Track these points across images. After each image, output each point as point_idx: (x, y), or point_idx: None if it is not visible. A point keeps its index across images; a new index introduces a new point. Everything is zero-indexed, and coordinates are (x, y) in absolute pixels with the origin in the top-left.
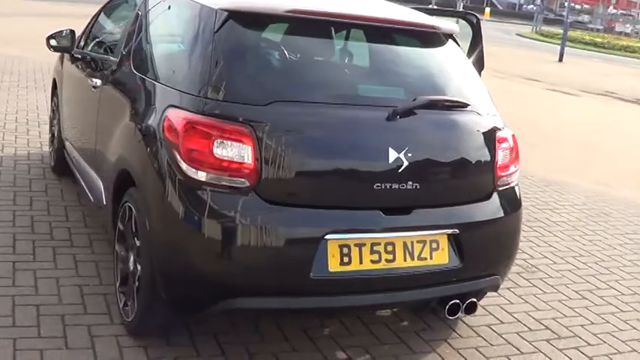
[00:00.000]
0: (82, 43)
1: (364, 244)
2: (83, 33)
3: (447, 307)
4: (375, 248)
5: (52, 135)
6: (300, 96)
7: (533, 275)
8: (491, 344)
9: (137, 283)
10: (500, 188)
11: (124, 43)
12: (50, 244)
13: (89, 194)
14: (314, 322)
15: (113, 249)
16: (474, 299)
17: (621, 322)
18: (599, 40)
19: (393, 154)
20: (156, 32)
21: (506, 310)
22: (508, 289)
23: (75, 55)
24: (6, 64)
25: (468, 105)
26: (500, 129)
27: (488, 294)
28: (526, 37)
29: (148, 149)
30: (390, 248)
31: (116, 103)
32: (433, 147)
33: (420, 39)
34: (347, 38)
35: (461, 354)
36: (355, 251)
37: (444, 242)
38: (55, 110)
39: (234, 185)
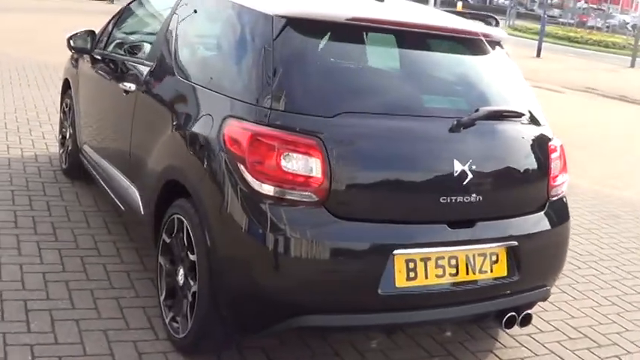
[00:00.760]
0: (101, 45)
1: (429, 259)
2: (102, 33)
3: (505, 319)
4: (439, 262)
5: (63, 137)
6: (366, 107)
7: (561, 281)
8: (536, 354)
9: (191, 299)
10: (553, 199)
11: (161, 47)
12: (77, 253)
13: (117, 202)
14: (360, 335)
15: (156, 261)
16: (529, 311)
17: None
18: (572, 34)
19: (458, 166)
20: (199, 37)
21: (543, 319)
22: None
23: (96, 57)
24: None
25: (524, 115)
26: (551, 138)
27: None
28: None
29: (206, 161)
30: (453, 262)
31: (158, 110)
32: (494, 158)
33: (474, 47)
34: (406, 47)
35: None
36: (421, 266)
37: (503, 255)
38: (68, 112)
39: (302, 199)
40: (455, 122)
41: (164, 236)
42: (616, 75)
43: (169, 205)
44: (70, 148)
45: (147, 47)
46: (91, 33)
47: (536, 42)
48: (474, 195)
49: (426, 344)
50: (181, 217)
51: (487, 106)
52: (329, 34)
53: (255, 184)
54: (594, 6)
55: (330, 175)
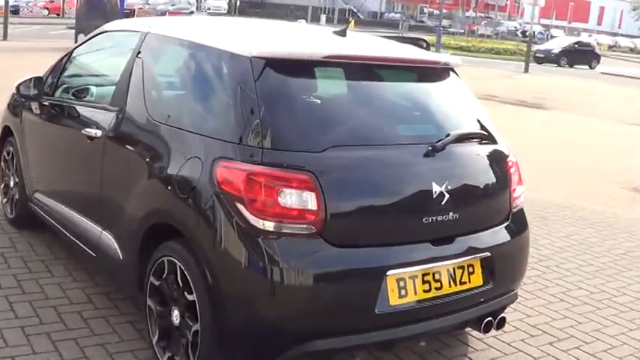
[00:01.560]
0: (49, 91)
1: (416, 276)
2: (48, 78)
3: (483, 324)
4: (425, 278)
5: (6, 186)
6: (351, 140)
7: None
8: (505, 354)
9: (191, 339)
10: (514, 210)
11: (127, 92)
12: (48, 303)
13: (86, 249)
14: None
15: (144, 304)
16: (504, 315)
17: (602, 318)
18: (464, 44)
19: (436, 188)
20: (173, 80)
21: None
22: None
23: (45, 104)
24: None
25: (485, 135)
26: (507, 155)
27: None
28: None
29: (200, 203)
30: (437, 277)
31: (132, 155)
32: (465, 178)
33: (436, 74)
34: (379, 79)
35: None
36: (410, 283)
37: (477, 266)
38: (10, 160)
39: (300, 232)
40: (430, 147)
41: (152, 279)
42: (512, 81)
43: (155, 248)
44: (16, 197)
45: (104, 92)
46: (38, 79)
47: None
48: (451, 213)
49: (406, 356)
50: (172, 259)
51: (453, 129)
52: (307, 71)
53: (254, 221)
54: (482, 14)
55: (325, 206)
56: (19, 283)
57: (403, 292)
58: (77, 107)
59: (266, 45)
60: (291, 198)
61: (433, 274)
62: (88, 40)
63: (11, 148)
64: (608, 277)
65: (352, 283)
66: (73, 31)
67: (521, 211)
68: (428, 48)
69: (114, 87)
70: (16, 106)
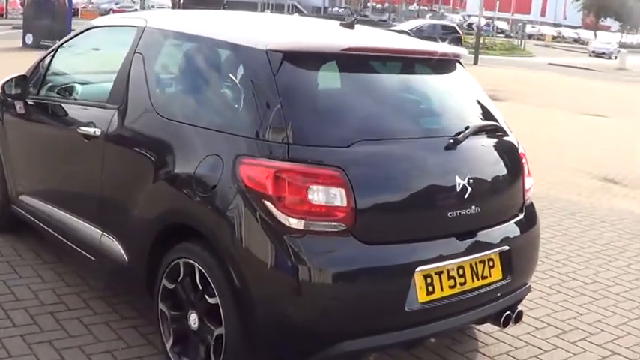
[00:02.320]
0: (34, 90)
1: (442, 272)
2: (34, 77)
3: (503, 318)
4: (451, 274)
5: None
6: (376, 134)
7: None
8: (516, 347)
9: (213, 342)
10: (527, 202)
11: (128, 88)
12: (45, 309)
13: (84, 252)
14: None
15: (156, 308)
16: (521, 308)
17: (601, 308)
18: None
19: (459, 182)
20: (182, 75)
21: None
22: None
23: (31, 103)
24: None
25: (500, 127)
26: (518, 146)
27: None
28: None
29: (223, 202)
30: (461, 272)
31: (139, 154)
32: (484, 170)
33: (449, 66)
34: (397, 71)
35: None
36: (436, 279)
37: (497, 259)
38: None
39: (330, 229)
40: (451, 140)
41: (165, 282)
42: None
43: (167, 250)
44: None
45: (99, 90)
46: (23, 78)
47: None
48: (473, 207)
49: (420, 354)
50: (189, 261)
51: (470, 122)
52: (326, 64)
53: (283, 219)
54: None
55: (355, 202)
56: (11, 290)
57: (431, 288)
58: (68, 105)
59: (280, 37)
60: (320, 195)
61: (458, 269)
62: (75, 36)
63: None
64: (599, 268)
65: (383, 281)
66: (21, 31)
67: (531, 203)
68: None
69: (110, 84)
70: None
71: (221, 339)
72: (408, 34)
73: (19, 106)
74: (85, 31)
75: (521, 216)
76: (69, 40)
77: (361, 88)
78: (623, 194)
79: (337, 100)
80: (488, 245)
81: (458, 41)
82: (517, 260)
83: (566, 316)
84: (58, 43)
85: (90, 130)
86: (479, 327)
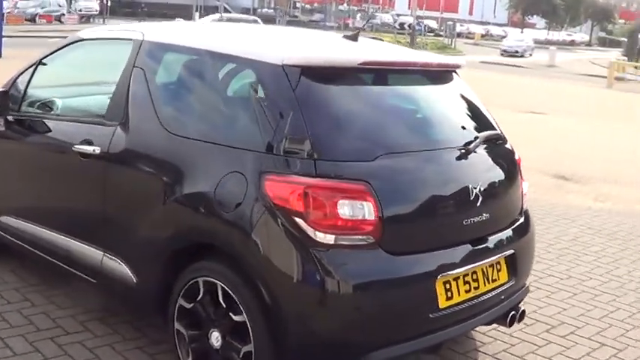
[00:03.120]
0: (12, 105)
1: (459, 277)
2: (12, 91)
3: (509, 318)
4: (466, 279)
5: None
6: (397, 147)
7: None
8: (512, 344)
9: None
10: (524, 206)
11: (128, 104)
12: (43, 335)
13: (82, 275)
14: None
15: (172, 328)
16: (523, 307)
17: (582, 303)
18: None
19: (472, 190)
20: (194, 91)
21: None
22: None
23: (12, 119)
24: None
25: (500, 134)
26: (514, 152)
27: None
28: None
29: (248, 219)
30: (475, 277)
31: (149, 172)
32: (491, 178)
33: (449, 77)
34: (409, 84)
35: (498, 358)
36: (454, 285)
37: (503, 263)
38: None
39: (360, 243)
40: (463, 151)
41: (181, 302)
42: None
43: (182, 270)
44: None
45: (93, 106)
46: (3, 93)
47: None
48: (484, 214)
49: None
50: (210, 279)
51: (477, 131)
52: (343, 79)
53: (314, 234)
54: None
55: (381, 215)
56: (2, 317)
57: (449, 294)
58: (57, 122)
59: (295, 52)
60: (349, 209)
61: (471, 274)
62: (59, 49)
63: None
64: (570, 264)
65: (411, 291)
66: None
67: (526, 207)
68: None
69: (105, 100)
70: None
71: (249, 356)
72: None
73: None
74: (70, 43)
75: (521, 219)
76: (52, 53)
77: (378, 101)
78: (576, 190)
79: (357, 114)
80: (497, 250)
81: None
82: (520, 262)
83: (552, 312)
84: (40, 56)
85: (87, 148)
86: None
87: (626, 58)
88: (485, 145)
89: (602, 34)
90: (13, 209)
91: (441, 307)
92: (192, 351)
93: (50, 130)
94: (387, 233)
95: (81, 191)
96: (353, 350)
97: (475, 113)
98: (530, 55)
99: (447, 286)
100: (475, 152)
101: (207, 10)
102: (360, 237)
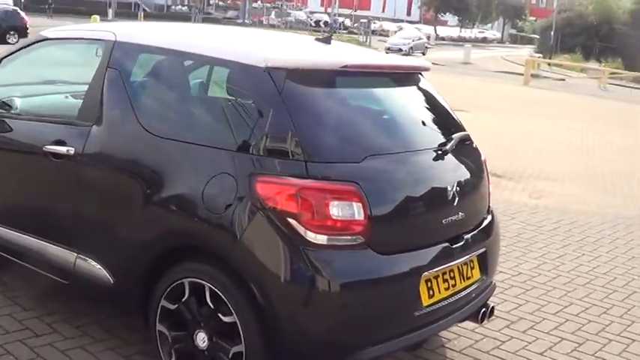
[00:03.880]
0: None
1: (439, 275)
2: None
3: (480, 315)
4: (444, 277)
5: None
6: (382, 148)
7: None
8: (476, 340)
9: None
10: (490, 204)
11: (101, 104)
12: (41, 341)
13: (53, 276)
14: None
15: (153, 329)
16: (492, 304)
17: (535, 298)
18: None
19: (450, 190)
20: (169, 91)
21: None
22: None
23: None
24: None
25: (468, 135)
26: (481, 154)
27: None
28: None
29: (239, 221)
30: (452, 274)
31: (127, 174)
32: (464, 177)
33: (420, 79)
34: (386, 86)
35: (466, 354)
36: (434, 283)
37: (475, 261)
38: None
39: (351, 243)
40: (440, 152)
41: (164, 303)
42: None
43: (164, 271)
44: None
45: (62, 106)
46: None
47: None
48: (460, 213)
49: (404, 357)
50: (197, 281)
51: (450, 132)
52: (327, 81)
53: (307, 235)
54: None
55: (370, 215)
56: None
57: (431, 292)
58: (21, 122)
59: (277, 54)
60: (340, 210)
61: (449, 272)
62: (22, 49)
63: None
64: (517, 260)
65: (398, 289)
66: None
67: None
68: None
69: (77, 101)
70: None
71: (239, 357)
72: None
73: None
74: (33, 43)
75: (489, 218)
76: (14, 52)
77: (359, 103)
78: (511, 187)
79: (342, 116)
80: (471, 248)
81: None
82: (490, 260)
83: (509, 308)
84: (1, 55)
85: (60, 149)
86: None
87: (541, 55)
88: (458, 146)
89: (514, 31)
90: None
91: (424, 304)
92: (176, 352)
93: (13, 130)
94: (375, 233)
95: (52, 192)
96: (344, 349)
97: (445, 114)
98: (423, 54)
99: (429, 284)
100: (450, 153)
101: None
102: (350, 237)
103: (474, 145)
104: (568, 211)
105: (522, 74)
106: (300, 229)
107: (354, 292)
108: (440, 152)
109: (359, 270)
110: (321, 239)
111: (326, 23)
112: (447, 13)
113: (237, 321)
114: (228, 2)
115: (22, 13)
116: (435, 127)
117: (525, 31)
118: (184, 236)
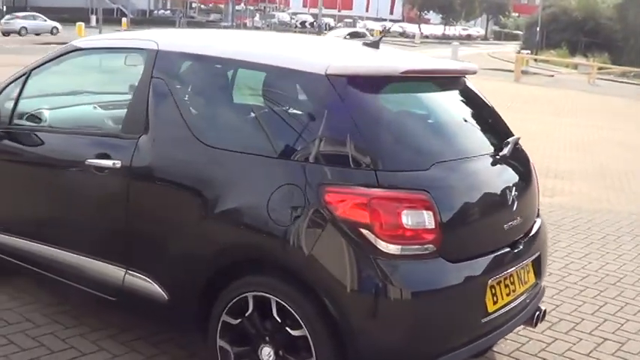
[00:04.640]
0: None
1: (501, 281)
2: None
3: (535, 318)
4: (506, 282)
5: None
6: (447, 155)
7: None
8: (522, 343)
9: None
10: (539, 207)
11: (147, 116)
12: (60, 358)
13: (98, 293)
14: None
15: (214, 346)
16: (545, 308)
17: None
18: None
19: (510, 195)
20: (224, 102)
21: None
22: None
23: (3, 133)
24: None
25: (517, 138)
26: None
27: None
28: None
29: (309, 233)
30: (512, 280)
31: (182, 186)
32: (519, 181)
33: (466, 83)
34: (442, 91)
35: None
36: (497, 289)
37: (530, 265)
38: None
39: (423, 252)
40: (498, 156)
41: (226, 318)
42: None
43: (227, 286)
44: None
45: (102, 118)
46: None
47: None
48: (518, 217)
49: None
50: (263, 294)
51: (504, 136)
52: (387, 87)
53: (381, 245)
54: (252, 7)
55: (441, 224)
56: (9, 338)
57: (495, 298)
58: (58, 135)
59: (337, 61)
60: (412, 219)
61: (509, 278)
62: (52, 59)
63: None
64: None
65: (468, 297)
66: None
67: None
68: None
69: (118, 112)
70: None
71: None
72: None
73: None
74: (65, 53)
75: (539, 221)
76: (44, 63)
77: (420, 109)
78: None
79: (406, 122)
80: (528, 252)
81: None
82: (543, 263)
83: (547, 309)
84: (30, 66)
85: (105, 163)
86: None
87: (529, 52)
88: (511, 150)
89: (497, 28)
90: (5, 226)
91: (489, 311)
92: None
93: (49, 144)
94: (445, 241)
95: (96, 206)
96: (417, 358)
97: (495, 117)
98: None
99: (493, 290)
100: (507, 157)
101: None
102: (422, 246)
103: (522, 148)
104: (583, 209)
105: (511, 71)
106: (373, 239)
107: (427, 301)
108: (498, 157)
109: (431, 279)
110: (393, 249)
111: (312, 24)
112: (431, 11)
113: (308, 334)
114: (210, 6)
115: None
116: (490, 131)
117: (509, 27)
118: (248, 249)
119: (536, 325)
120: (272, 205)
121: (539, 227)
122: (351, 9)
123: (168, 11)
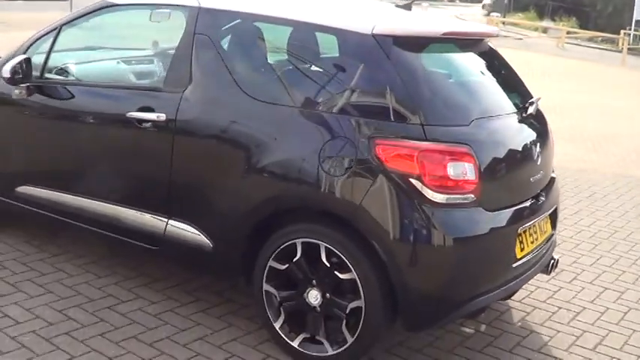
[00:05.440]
0: (33, 72)
1: (526, 230)
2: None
3: (550, 266)
4: (530, 231)
5: None
6: (485, 111)
7: None
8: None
9: (345, 315)
10: (554, 163)
11: (191, 72)
12: (97, 305)
13: (139, 243)
14: None
15: (260, 290)
16: (558, 257)
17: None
18: None
19: (535, 150)
20: (272, 58)
21: None
22: None
23: (36, 87)
24: None
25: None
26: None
27: None
28: None
29: (360, 183)
30: (535, 229)
31: (231, 139)
32: (541, 137)
33: (491, 45)
34: (476, 53)
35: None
36: (524, 237)
37: (548, 216)
38: None
39: (465, 201)
40: (524, 114)
41: (273, 263)
42: None
43: (273, 233)
44: None
45: (144, 72)
46: (27, 60)
47: None
48: (541, 171)
49: (403, 354)
50: (311, 241)
51: (527, 95)
52: (430, 48)
53: (429, 195)
54: None
55: (481, 175)
56: (46, 288)
57: (522, 245)
58: (95, 89)
59: (382, 22)
60: (457, 170)
61: (533, 227)
62: (85, 15)
63: None
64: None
65: (502, 243)
66: None
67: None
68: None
69: (163, 67)
70: None
71: (357, 312)
72: None
73: (18, 91)
74: (99, 9)
75: (554, 175)
76: (76, 18)
77: (459, 69)
78: None
79: (447, 81)
80: (548, 204)
81: None
82: (557, 214)
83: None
84: (60, 21)
85: (149, 116)
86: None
87: (499, 15)
88: (533, 108)
89: None
90: (37, 179)
91: (517, 257)
92: (284, 310)
93: (84, 97)
94: (484, 191)
95: (137, 158)
96: (458, 300)
97: (518, 78)
98: None
99: (521, 238)
100: (532, 115)
101: None
102: (464, 195)
103: (538, 107)
104: (568, 168)
105: None
106: (421, 189)
107: (470, 247)
108: (525, 114)
109: (472, 226)
110: (439, 198)
111: None
112: None
113: (357, 277)
114: None
115: None
116: (515, 90)
117: None
118: (296, 199)
119: (550, 272)
120: (323, 157)
121: (555, 182)
122: None
123: None
